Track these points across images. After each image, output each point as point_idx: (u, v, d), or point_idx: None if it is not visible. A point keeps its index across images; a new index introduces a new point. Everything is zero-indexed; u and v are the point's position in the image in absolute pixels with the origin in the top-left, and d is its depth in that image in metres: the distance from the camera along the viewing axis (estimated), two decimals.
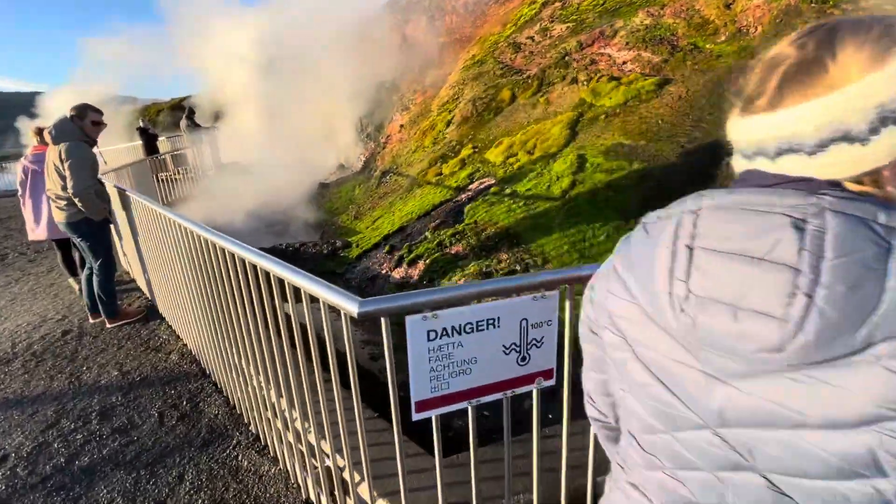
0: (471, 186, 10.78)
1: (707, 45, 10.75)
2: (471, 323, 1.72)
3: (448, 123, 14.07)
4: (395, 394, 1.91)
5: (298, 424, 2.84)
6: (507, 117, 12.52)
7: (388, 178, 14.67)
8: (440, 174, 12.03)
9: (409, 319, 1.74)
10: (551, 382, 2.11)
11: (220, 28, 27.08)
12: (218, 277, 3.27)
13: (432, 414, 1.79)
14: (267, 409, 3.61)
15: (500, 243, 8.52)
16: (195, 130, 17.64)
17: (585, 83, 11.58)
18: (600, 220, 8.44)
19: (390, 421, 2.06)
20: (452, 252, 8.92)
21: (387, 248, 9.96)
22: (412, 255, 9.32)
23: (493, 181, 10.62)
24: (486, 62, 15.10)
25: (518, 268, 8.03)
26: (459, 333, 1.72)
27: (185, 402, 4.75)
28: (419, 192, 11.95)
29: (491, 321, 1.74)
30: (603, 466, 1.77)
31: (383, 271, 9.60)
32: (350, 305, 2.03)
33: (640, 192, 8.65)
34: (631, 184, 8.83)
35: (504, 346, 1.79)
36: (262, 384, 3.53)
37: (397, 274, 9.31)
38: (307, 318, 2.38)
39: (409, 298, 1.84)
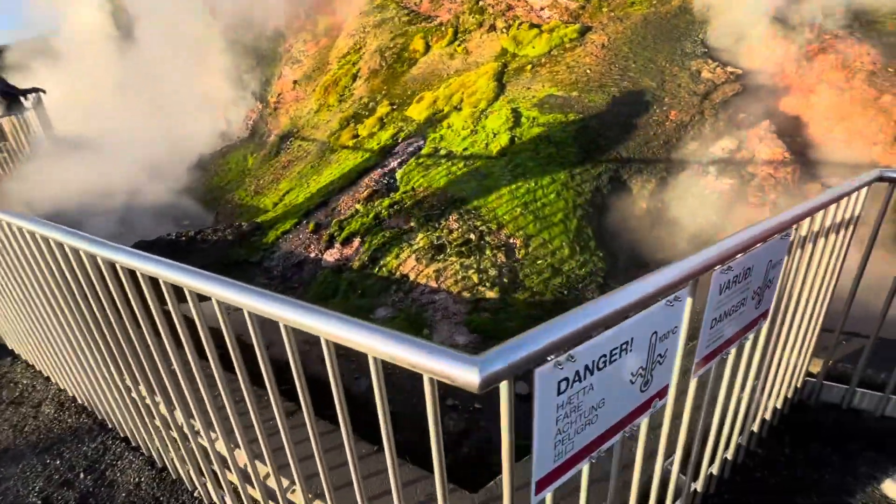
0: (397, 148, 9.65)
1: None
2: (605, 355, 1.35)
3: (354, 77, 12.47)
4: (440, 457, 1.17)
5: (273, 482, 1.95)
6: (423, 69, 11.39)
7: (289, 143, 12.74)
8: (356, 136, 10.64)
9: (538, 373, 1.22)
10: (665, 400, 1.74)
11: None
12: (90, 291, 2.30)
13: (551, 490, 1.38)
14: (213, 463, 2.55)
15: (447, 210, 7.72)
16: (9, 92, 13.40)
17: (505, 31, 10.88)
18: (547, 178, 8.05)
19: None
20: (393, 225, 7.89)
21: (311, 226, 8.55)
22: (345, 233, 8.10)
23: (421, 141, 9.62)
24: (387, 7, 13.54)
25: (472, 236, 7.36)
26: (592, 373, 1.34)
27: (82, 475, 3.37)
28: (335, 159, 10.47)
29: (625, 346, 1.39)
30: None
31: (312, 254, 8.24)
32: (464, 373, 1.17)
33: (580, 145, 8.41)
34: (569, 137, 8.54)
35: (632, 373, 1.47)
36: (202, 429, 2.46)
37: (331, 256, 8.05)
38: (255, 339, 1.68)
39: (536, 341, 1.19)
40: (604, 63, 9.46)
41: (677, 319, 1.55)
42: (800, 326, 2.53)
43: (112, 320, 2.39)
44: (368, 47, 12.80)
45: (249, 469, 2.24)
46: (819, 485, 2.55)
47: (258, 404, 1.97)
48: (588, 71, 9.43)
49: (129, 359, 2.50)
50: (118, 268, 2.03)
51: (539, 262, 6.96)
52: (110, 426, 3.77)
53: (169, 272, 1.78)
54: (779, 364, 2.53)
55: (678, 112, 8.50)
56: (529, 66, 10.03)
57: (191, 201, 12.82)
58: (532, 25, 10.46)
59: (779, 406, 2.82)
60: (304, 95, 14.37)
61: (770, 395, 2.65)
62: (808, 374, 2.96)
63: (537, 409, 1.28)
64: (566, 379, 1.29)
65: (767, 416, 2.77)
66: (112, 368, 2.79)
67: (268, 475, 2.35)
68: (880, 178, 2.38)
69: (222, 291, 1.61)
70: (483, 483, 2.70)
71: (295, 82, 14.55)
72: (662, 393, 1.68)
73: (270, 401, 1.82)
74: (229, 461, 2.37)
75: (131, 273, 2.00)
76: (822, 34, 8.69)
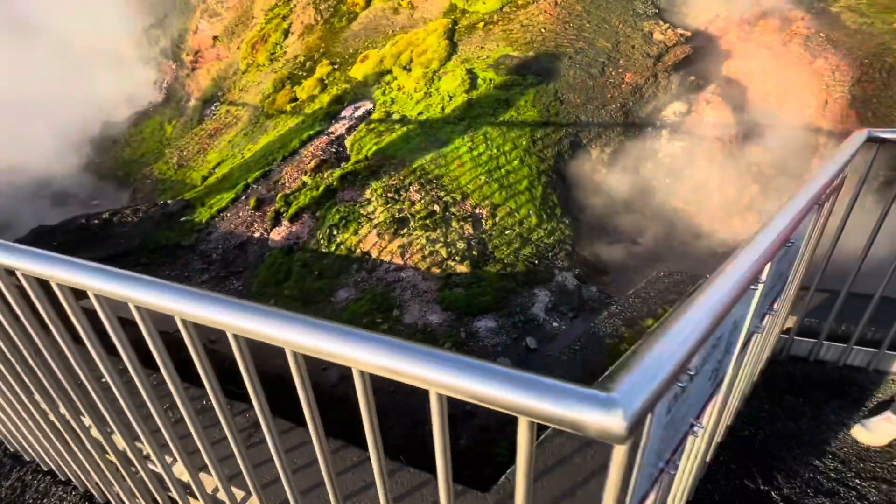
0: (344, 113, 8.80)
1: None
2: (706, 357, 1.13)
3: (286, 34, 11.19)
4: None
5: None
6: (365, 25, 10.41)
7: (214, 109, 11.31)
8: (295, 100, 9.59)
9: (659, 409, 0.91)
10: (722, 388, 1.57)
11: None
12: None
13: None
14: (171, 491, 2.08)
15: (407, 180, 7.17)
16: None
17: None
18: (509, 144, 7.70)
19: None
20: (348, 198, 7.22)
21: (252, 202, 7.62)
22: (293, 209, 7.30)
23: (370, 104, 8.83)
24: None
25: (436, 208, 6.90)
26: (692, 381, 1.08)
27: None
28: (272, 126, 9.40)
29: (716, 343, 1.19)
30: None
31: (256, 234, 7.38)
32: (601, 417, 0.77)
33: (539, 109, 8.11)
34: (528, 100, 8.20)
35: (712, 369, 1.28)
36: (153, 452, 1.96)
37: (278, 235, 7.24)
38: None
39: (673, 356, 0.84)
40: (558, 22, 9.11)
41: (748, 306, 1.44)
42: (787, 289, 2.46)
43: (6, 326, 1.74)
44: (300, 0, 11.49)
45: (223, 494, 1.76)
46: (798, 437, 2.61)
47: (227, 413, 1.48)
48: (543, 30, 9.04)
49: (39, 372, 1.86)
50: None
51: (507, 232, 6.69)
52: (28, 458, 3.04)
53: (32, 264, 1.28)
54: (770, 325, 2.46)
55: (633, 74, 8.42)
56: (482, 24, 9.45)
57: (97, 178, 11.12)
58: None
59: (762, 365, 2.80)
60: (226, 53, 12.75)
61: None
62: (783, 330, 2.98)
63: (651, 441, 1.00)
64: (675, 396, 1.06)
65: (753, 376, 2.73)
66: (16, 385, 2.11)
67: (246, 498, 1.89)
68: (869, 139, 2.29)
69: (101, 284, 1.17)
70: (492, 479, 2.42)
71: (215, 38, 12.83)
72: (721, 381, 1.51)
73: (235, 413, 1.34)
74: (195, 487, 1.87)
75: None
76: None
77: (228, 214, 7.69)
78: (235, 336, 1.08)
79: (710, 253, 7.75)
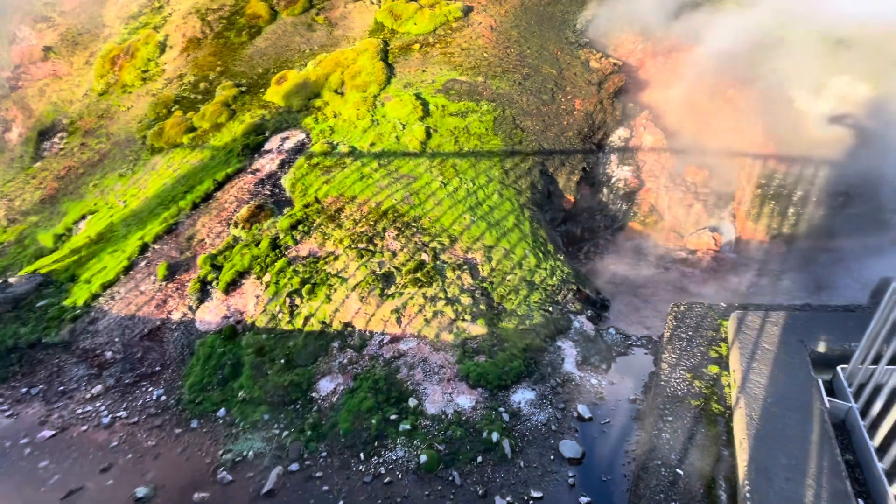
0: (268, 145, 7.04)
1: None
2: None
3: (162, 48, 8.88)
4: None
5: None
6: (273, 42, 8.74)
7: (59, 141, 8.39)
8: (193, 129, 7.46)
9: None
10: None
11: None
12: None
13: None
14: None
15: (378, 226, 5.83)
16: None
17: (376, 1, 9.12)
18: (483, 177, 6.87)
19: None
20: (305, 254, 5.58)
21: (160, 271, 5.45)
22: (227, 275, 5.38)
23: (301, 134, 7.23)
24: None
25: (424, 257, 5.68)
26: None
27: None
28: (164, 163, 7.14)
29: None
30: None
31: (174, 315, 5.24)
32: None
33: (504, 137, 7.46)
34: (490, 128, 7.51)
35: None
36: None
37: (209, 314, 5.23)
38: None
39: None
40: (499, 46, 8.69)
41: None
42: None
43: None
44: (177, 7, 9.29)
45: None
46: None
47: None
48: (485, 54, 8.52)
49: None
50: None
51: (509, 277, 5.80)
52: None
53: None
54: None
55: (582, 101, 8.34)
56: (417, 46, 8.57)
57: None
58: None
59: None
60: (67, 69, 9.69)
61: None
62: None
63: None
64: None
65: None
66: None
67: None
68: None
69: None
70: None
71: (48, 50, 9.67)
72: None
73: None
74: None
75: None
76: (669, 34, 9.64)
77: (122, 291, 5.43)
78: None
79: (681, 274, 7.91)
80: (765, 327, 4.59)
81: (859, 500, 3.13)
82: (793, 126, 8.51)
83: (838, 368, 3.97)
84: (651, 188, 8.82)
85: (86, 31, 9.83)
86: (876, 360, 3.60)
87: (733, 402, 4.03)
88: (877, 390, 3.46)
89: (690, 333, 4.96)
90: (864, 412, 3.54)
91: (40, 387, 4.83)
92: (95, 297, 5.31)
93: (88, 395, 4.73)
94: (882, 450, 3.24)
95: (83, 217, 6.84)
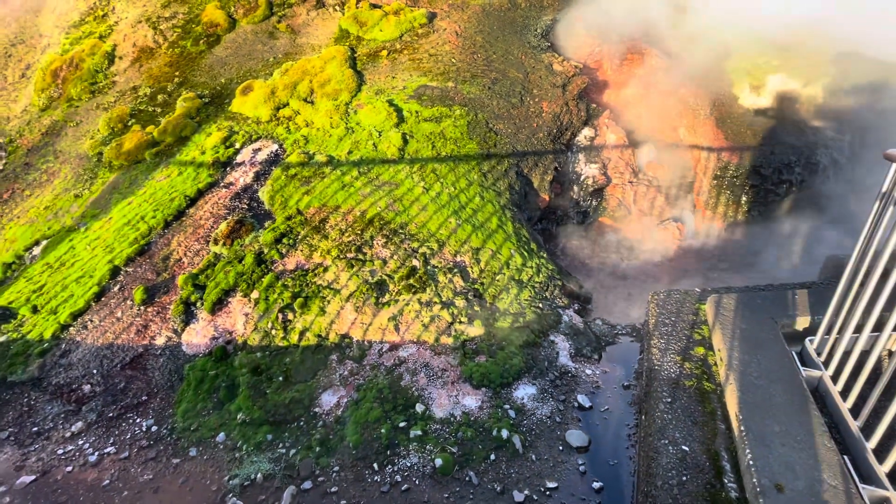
0: (240, 157, 6.80)
1: None
2: None
3: (110, 59, 8.38)
4: None
5: None
6: (234, 51, 8.45)
7: (0, 163, 7.72)
8: (155, 144, 7.07)
9: None
10: None
11: None
12: None
13: None
14: None
15: (366, 234, 5.77)
16: None
17: (339, 8, 9.03)
18: (463, 180, 6.96)
19: None
20: (292, 267, 5.43)
21: (137, 294, 5.13)
22: (212, 294, 5.15)
23: (274, 145, 7.02)
24: None
25: (416, 263, 5.68)
26: None
27: None
28: (126, 180, 6.72)
29: None
30: None
31: (157, 340, 4.94)
32: None
33: (479, 141, 7.59)
34: (464, 132, 7.61)
35: None
36: None
37: (197, 336, 4.97)
38: None
39: None
40: (465, 52, 8.83)
41: None
42: None
43: None
44: (125, 15, 8.80)
45: None
46: None
47: None
48: (453, 60, 8.64)
49: None
50: None
51: (499, 277, 5.91)
52: None
53: None
54: None
55: (549, 103, 8.63)
56: (385, 52, 8.56)
57: None
58: (372, 6, 8.97)
59: None
60: (1, 84, 8.90)
61: None
62: None
63: None
64: None
65: None
66: None
67: None
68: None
69: None
70: None
71: None
72: None
73: None
74: None
75: None
76: (624, 38, 10.16)
77: (96, 319, 5.07)
78: None
79: (645, 262, 8.33)
80: (738, 309, 4.94)
81: (844, 456, 3.45)
82: (738, 120, 9.21)
83: (806, 341, 4.34)
84: (617, 184, 9.25)
85: (19, 41, 9.12)
86: (840, 331, 3.97)
87: (723, 379, 4.31)
88: (845, 357, 3.81)
89: (673, 319, 5.26)
90: (835, 378, 3.89)
91: (10, 430, 4.43)
92: (65, 327, 4.94)
93: (68, 434, 4.39)
94: (854, 410, 3.58)
95: (36, 243, 6.33)
